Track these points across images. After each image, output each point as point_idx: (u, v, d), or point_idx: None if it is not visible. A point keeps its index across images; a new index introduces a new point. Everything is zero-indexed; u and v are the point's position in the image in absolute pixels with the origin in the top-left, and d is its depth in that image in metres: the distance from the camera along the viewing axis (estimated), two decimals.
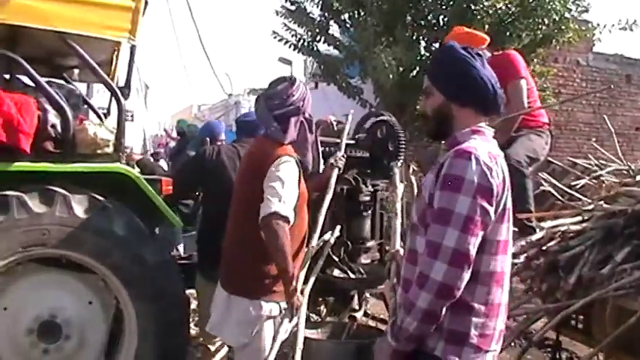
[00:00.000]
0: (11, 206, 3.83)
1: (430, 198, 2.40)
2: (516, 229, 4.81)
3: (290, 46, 11.86)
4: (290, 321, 3.50)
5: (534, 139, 5.31)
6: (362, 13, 11.33)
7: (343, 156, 4.55)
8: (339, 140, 5.18)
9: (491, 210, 2.31)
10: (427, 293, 2.28)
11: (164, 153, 12.65)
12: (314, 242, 3.93)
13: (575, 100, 14.76)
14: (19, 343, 4.01)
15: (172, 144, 12.08)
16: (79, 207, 3.96)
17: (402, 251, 3.07)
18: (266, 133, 3.61)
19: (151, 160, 9.74)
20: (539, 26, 10.77)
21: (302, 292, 3.63)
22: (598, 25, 12.19)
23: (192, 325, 5.84)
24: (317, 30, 11.76)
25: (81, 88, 5.76)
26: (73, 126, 4.14)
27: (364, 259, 5.18)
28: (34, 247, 3.92)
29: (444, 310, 2.31)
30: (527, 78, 5.42)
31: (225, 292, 3.56)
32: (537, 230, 4.61)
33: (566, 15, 11.08)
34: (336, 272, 4.86)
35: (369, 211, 5.24)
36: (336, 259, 4.82)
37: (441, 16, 11.22)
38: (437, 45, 10.73)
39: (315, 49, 12.02)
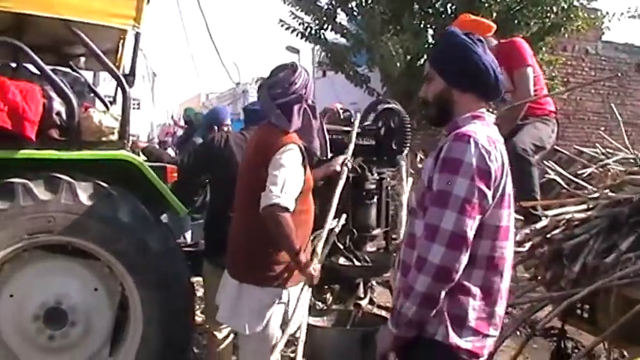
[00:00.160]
0: (17, 193, 3.85)
1: (429, 181, 2.42)
2: (522, 217, 4.83)
3: (297, 35, 11.83)
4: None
5: (540, 127, 5.28)
6: (369, 1, 11.29)
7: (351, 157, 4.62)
8: (345, 128, 5.19)
9: (489, 193, 2.32)
10: (425, 276, 2.29)
11: (171, 141, 12.63)
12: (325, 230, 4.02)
13: (584, 89, 14.70)
14: (25, 329, 4.04)
15: (180, 132, 12.07)
16: (84, 194, 3.98)
17: None
18: (270, 121, 3.59)
19: (157, 147, 9.75)
20: (548, 14, 10.71)
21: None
22: (607, 13, 12.14)
23: (198, 312, 5.88)
24: (324, 18, 11.72)
25: (87, 76, 5.77)
26: (78, 114, 4.15)
27: (370, 247, 5.18)
28: (40, 234, 3.95)
29: (443, 294, 2.32)
30: (533, 66, 5.38)
31: (234, 281, 3.57)
32: (543, 218, 4.59)
33: (575, 3, 11.03)
34: (342, 260, 4.86)
35: (375, 199, 5.24)
36: (342, 247, 4.82)
37: (449, 4, 11.17)
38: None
39: (322, 37, 11.99)
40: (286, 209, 3.33)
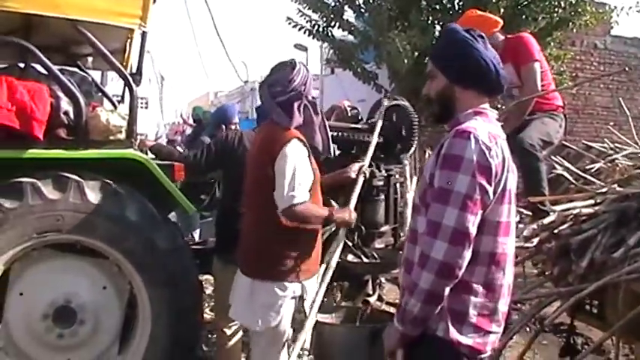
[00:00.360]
0: (26, 193, 3.87)
1: (431, 178, 2.42)
2: (530, 213, 4.82)
3: (305, 32, 11.82)
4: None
5: (548, 122, 5.27)
6: None
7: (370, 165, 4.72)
8: (352, 125, 5.19)
9: (490, 189, 2.32)
10: (428, 273, 2.29)
11: (180, 140, 12.66)
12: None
13: (593, 84, 14.63)
14: (34, 328, 4.06)
15: (189, 131, 12.10)
16: (92, 193, 4.00)
17: None
18: (272, 119, 3.63)
19: (166, 145, 9.77)
20: (556, 9, 10.66)
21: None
22: (615, 7, 12.10)
23: (207, 310, 5.90)
24: (332, 15, 11.71)
25: (95, 75, 5.80)
26: (86, 113, 4.17)
27: (378, 244, 5.19)
28: (49, 232, 3.97)
29: (447, 290, 2.33)
30: (540, 61, 5.37)
31: (247, 279, 3.60)
32: (550, 213, 4.58)
33: None
34: (350, 257, 4.87)
35: (383, 196, 5.24)
36: (350, 244, 4.83)
37: (456, 0, 11.13)
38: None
39: (330, 34, 11.98)
40: (304, 203, 3.42)
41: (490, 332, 2.43)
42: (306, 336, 3.72)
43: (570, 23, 11.14)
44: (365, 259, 4.90)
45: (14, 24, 4.41)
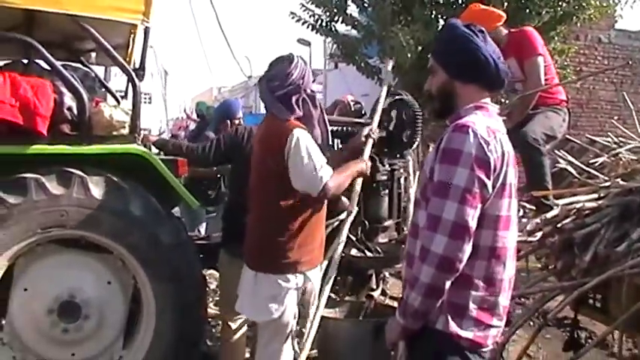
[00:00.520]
0: (29, 188, 3.88)
1: (431, 172, 2.45)
2: (533, 207, 4.82)
3: (308, 27, 11.78)
4: None
5: (551, 116, 5.27)
6: None
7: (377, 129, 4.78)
8: (356, 120, 5.19)
9: (489, 183, 2.33)
10: (429, 267, 2.31)
11: (184, 135, 12.67)
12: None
13: (597, 78, 14.59)
14: (39, 323, 4.07)
15: (192, 126, 12.11)
16: (96, 188, 4.01)
17: None
18: (272, 114, 3.67)
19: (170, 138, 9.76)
20: (559, 3, 10.59)
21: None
22: (619, 1, 12.02)
23: (211, 305, 5.91)
24: (335, 10, 11.65)
25: (98, 71, 5.80)
26: (89, 108, 4.17)
27: (382, 239, 5.19)
28: (53, 228, 3.98)
29: (448, 284, 2.34)
30: (544, 55, 5.36)
31: (251, 272, 3.65)
32: (554, 208, 4.58)
33: None
34: (354, 251, 4.88)
35: (387, 191, 5.24)
36: (354, 239, 4.84)
37: None
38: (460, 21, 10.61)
39: (333, 29, 11.93)
40: (331, 178, 3.54)
41: (491, 326, 2.45)
42: (312, 330, 3.76)
43: (574, 17, 11.06)
44: (369, 254, 4.91)
45: (17, 20, 4.42)
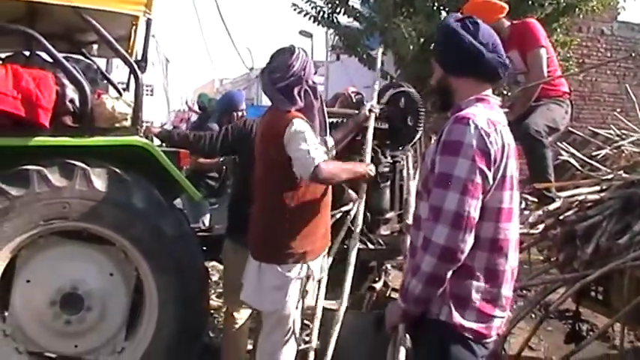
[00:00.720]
0: (32, 180, 3.89)
1: (432, 164, 2.47)
2: (535, 199, 4.82)
3: (310, 19, 11.76)
4: None
5: (554, 108, 5.25)
6: None
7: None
8: (355, 112, 5.18)
9: (490, 174, 2.35)
10: (431, 257, 2.34)
11: (185, 127, 12.66)
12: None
13: (599, 71, 14.54)
14: (42, 314, 4.09)
15: (194, 118, 12.09)
16: (99, 180, 4.01)
17: None
18: (274, 105, 3.70)
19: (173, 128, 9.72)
20: None
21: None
22: None
23: (213, 296, 5.92)
24: (336, 1, 11.62)
25: (100, 63, 5.79)
26: (91, 100, 4.17)
27: (384, 231, 5.18)
28: (55, 220, 3.99)
29: (450, 273, 2.37)
30: (547, 47, 5.35)
31: (255, 262, 3.67)
32: (556, 200, 4.58)
33: None
34: None
35: (389, 183, 5.23)
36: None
37: None
38: (458, 15, 10.58)
39: (335, 20, 11.91)
40: (324, 162, 3.50)
41: (494, 317, 2.47)
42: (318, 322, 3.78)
43: (577, 9, 11.02)
44: (371, 246, 4.90)
45: (19, 12, 4.41)
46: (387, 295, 5.13)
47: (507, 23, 5.36)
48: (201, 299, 4.35)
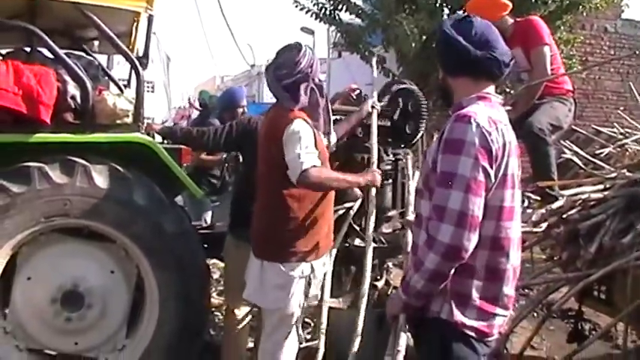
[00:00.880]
0: (33, 177, 3.88)
1: (434, 163, 2.47)
2: (538, 197, 4.80)
3: (312, 15, 11.74)
4: None
5: (557, 106, 5.23)
6: None
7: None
8: (357, 108, 5.17)
9: (492, 172, 2.36)
10: (435, 255, 2.35)
11: (186, 124, 12.64)
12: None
13: (603, 69, 14.52)
14: (42, 311, 4.09)
15: (194, 115, 12.08)
16: (100, 177, 4.00)
17: None
18: (278, 102, 3.67)
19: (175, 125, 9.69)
20: None
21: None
22: None
23: (214, 294, 5.91)
24: None
25: (101, 59, 5.78)
26: (93, 97, 4.16)
27: (385, 229, 5.16)
28: (56, 217, 3.98)
29: (452, 270, 2.38)
30: (550, 44, 5.32)
31: (258, 261, 3.66)
32: (559, 198, 4.56)
33: None
34: (357, 241, 4.85)
35: (390, 180, 5.21)
36: (357, 228, 4.81)
37: None
38: (460, 12, 10.56)
39: (337, 17, 11.88)
40: (315, 167, 3.45)
41: (495, 315, 2.48)
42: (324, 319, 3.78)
43: (580, 6, 11.00)
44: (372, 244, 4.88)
45: (20, 8, 4.40)
46: (389, 293, 5.12)
47: (511, 21, 5.34)
48: (202, 297, 4.34)
